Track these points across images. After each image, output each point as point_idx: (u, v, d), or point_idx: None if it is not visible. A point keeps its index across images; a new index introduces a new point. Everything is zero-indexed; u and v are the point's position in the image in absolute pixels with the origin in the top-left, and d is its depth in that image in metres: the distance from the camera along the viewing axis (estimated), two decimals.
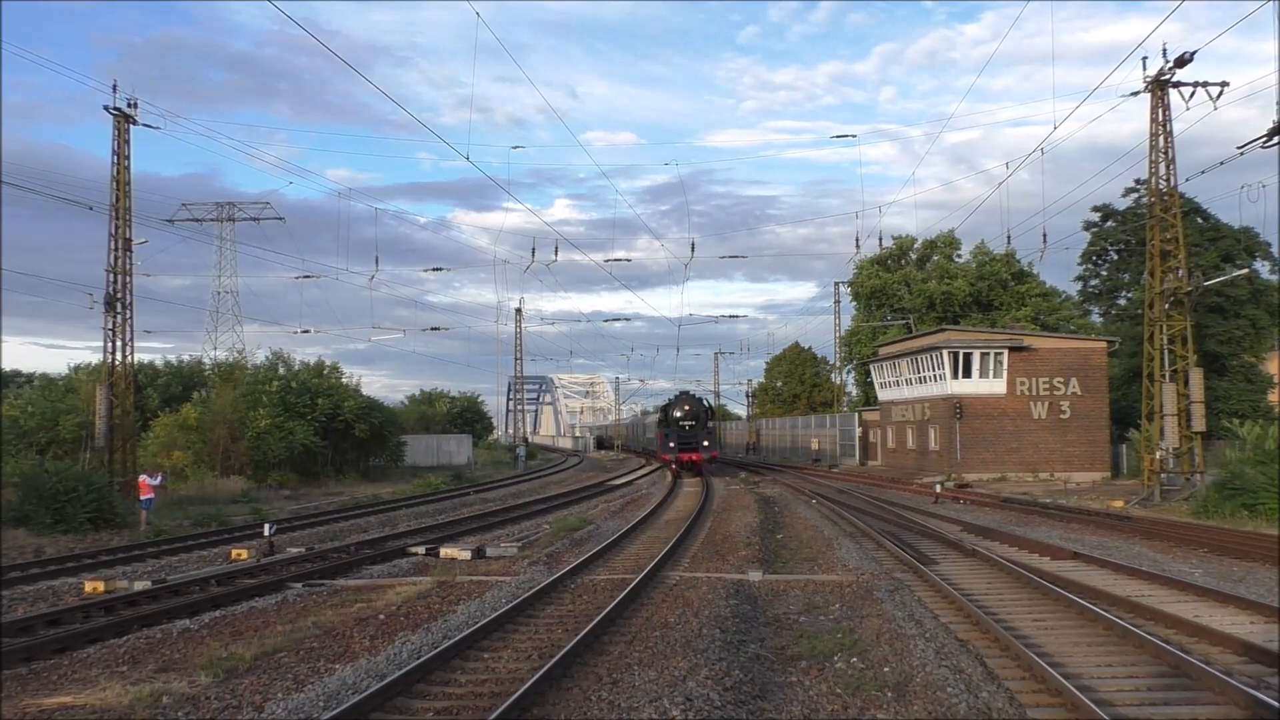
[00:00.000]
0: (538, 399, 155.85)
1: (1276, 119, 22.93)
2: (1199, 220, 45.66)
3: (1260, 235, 45.74)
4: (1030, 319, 54.50)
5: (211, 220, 57.17)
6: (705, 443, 43.24)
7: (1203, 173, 27.73)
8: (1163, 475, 28.42)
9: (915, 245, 62.88)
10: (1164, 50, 27.46)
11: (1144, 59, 28.03)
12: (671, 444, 43.62)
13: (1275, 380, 47.26)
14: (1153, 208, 29.76)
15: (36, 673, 9.81)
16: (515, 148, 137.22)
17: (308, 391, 43.65)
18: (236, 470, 38.93)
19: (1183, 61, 26.92)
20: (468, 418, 77.43)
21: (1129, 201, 49.19)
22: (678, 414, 44.21)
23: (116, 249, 28.96)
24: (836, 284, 68.23)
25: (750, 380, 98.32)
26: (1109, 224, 51.06)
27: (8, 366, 60.35)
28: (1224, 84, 27.13)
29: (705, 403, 46.30)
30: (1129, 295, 50.72)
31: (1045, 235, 51.96)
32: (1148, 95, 28.45)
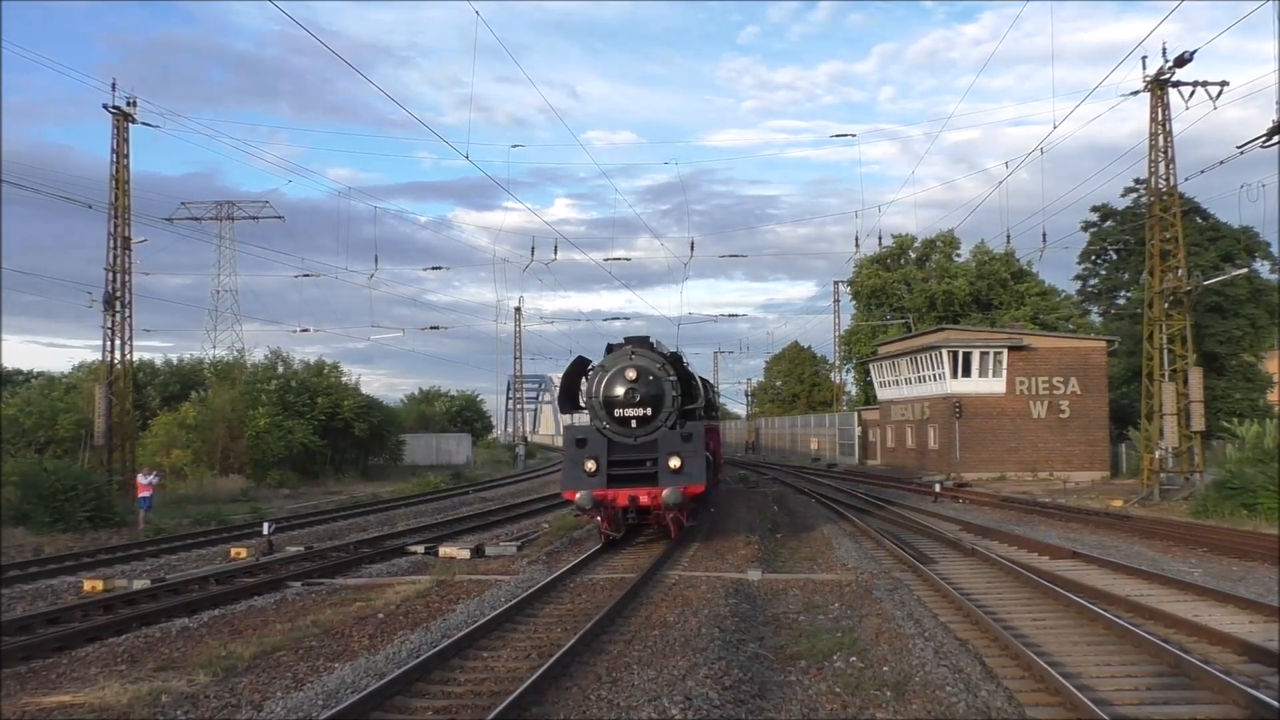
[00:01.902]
0: (537, 398, 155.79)
1: (1276, 118, 22.94)
2: (1198, 220, 45.69)
3: (1260, 235, 45.82)
4: (1029, 318, 54.57)
5: (211, 219, 57.03)
6: (673, 461, 17.12)
7: (1202, 172, 27.80)
8: (1162, 475, 28.42)
9: (915, 244, 62.95)
10: (1163, 50, 27.51)
11: (1144, 59, 28.08)
12: (591, 465, 17.34)
13: (1274, 379, 47.29)
14: (1152, 207, 29.76)
15: (35, 671, 9.81)
16: (515, 146, 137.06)
17: (307, 390, 43.66)
18: (235, 469, 38.94)
19: (1182, 61, 26.94)
20: (467, 417, 77.40)
21: (1128, 201, 49.27)
22: (617, 391, 17.89)
23: (116, 248, 28.96)
24: (836, 283, 68.36)
25: (749, 379, 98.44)
26: (1108, 224, 51.11)
27: (8, 365, 60.31)
28: (1223, 83, 27.15)
29: (681, 366, 18.58)
30: (1128, 295, 50.74)
31: (1045, 235, 51.97)
32: (1147, 95, 28.46)
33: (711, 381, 32.78)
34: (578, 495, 17.02)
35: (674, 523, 17.67)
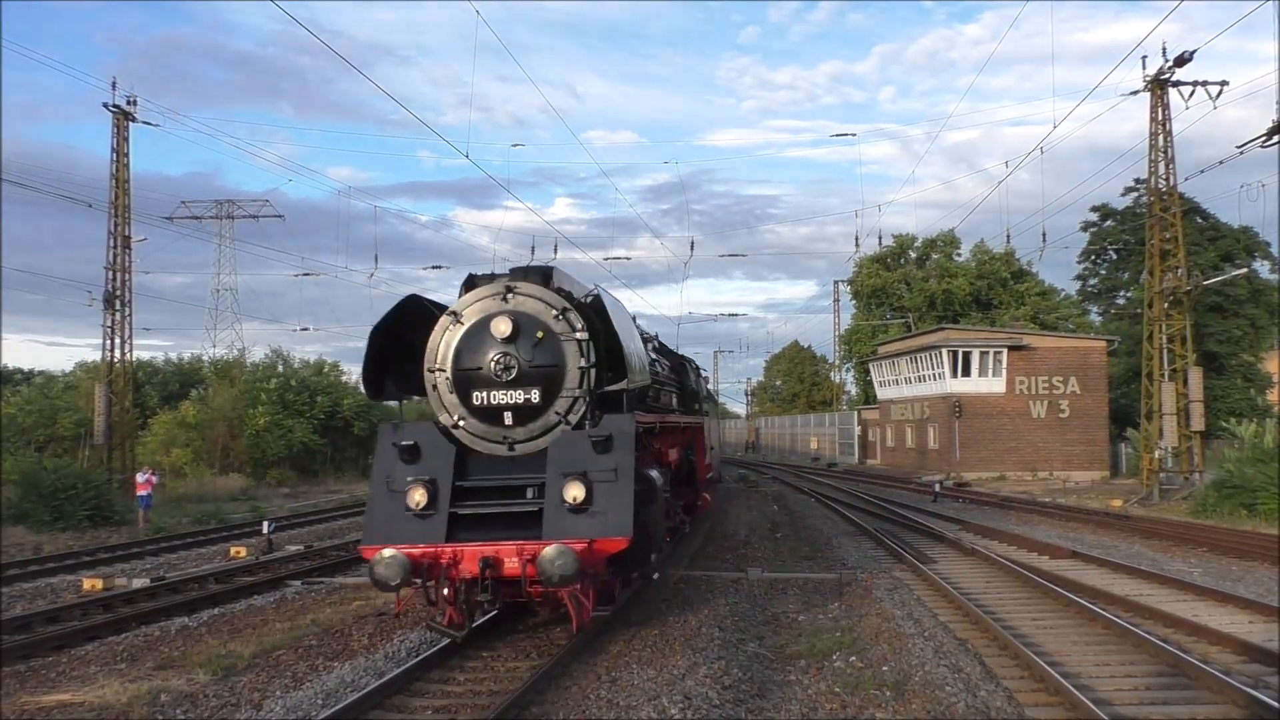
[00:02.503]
0: None
1: (1276, 118, 22.94)
2: (1198, 220, 45.71)
3: (1260, 235, 45.86)
4: (1029, 318, 54.58)
5: (211, 218, 56.97)
6: (571, 490, 9.06)
7: (1202, 172, 27.86)
8: (1161, 474, 28.43)
9: (915, 244, 63.00)
10: (1163, 50, 27.49)
11: (1143, 58, 28.07)
12: (419, 496, 9.23)
13: (1274, 379, 47.32)
14: (1152, 207, 29.77)
15: (35, 670, 9.81)
16: (515, 146, 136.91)
17: (306, 389, 43.71)
18: (235, 468, 38.97)
19: (1182, 61, 26.93)
20: None
21: (1128, 201, 49.30)
22: (479, 359, 9.71)
23: (116, 246, 28.96)
24: (836, 283, 68.48)
25: (750, 379, 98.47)
26: (1108, 223, 51.14)
27: (8, 363, 60.34)
28: (1223, 83, 27.14)
29: (600, 318, 9.99)
30: (1128, 294, 50.77)
31: (1044, 234, 51.91)
32: (1147, 95, 28.46)
33: (701, 366, 24.20)
34: (379, 556, 8.93)
35: (573, 602, 9.22)
